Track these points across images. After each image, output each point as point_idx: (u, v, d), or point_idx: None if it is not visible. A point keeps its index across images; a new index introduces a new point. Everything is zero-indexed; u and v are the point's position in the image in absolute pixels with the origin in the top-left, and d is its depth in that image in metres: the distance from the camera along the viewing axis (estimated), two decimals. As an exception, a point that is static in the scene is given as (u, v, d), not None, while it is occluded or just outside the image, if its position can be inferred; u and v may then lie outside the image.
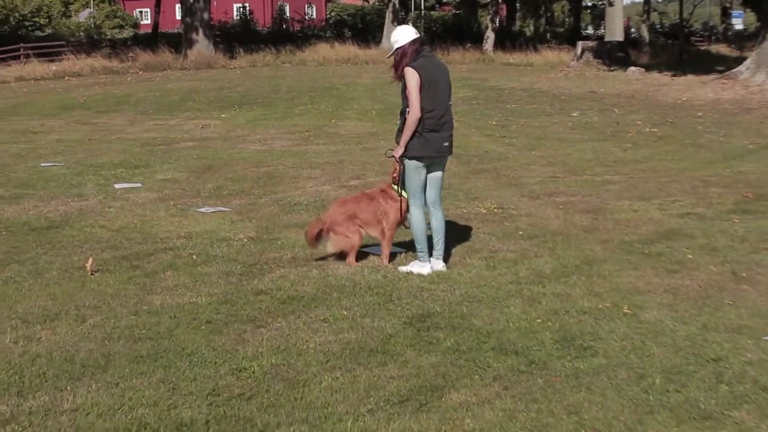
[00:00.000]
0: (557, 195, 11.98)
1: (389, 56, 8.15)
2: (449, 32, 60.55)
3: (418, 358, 6.00)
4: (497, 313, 6.90)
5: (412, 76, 7.74)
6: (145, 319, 6.84)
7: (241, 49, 47.08)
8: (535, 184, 12.81)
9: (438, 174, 8.21)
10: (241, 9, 64.80)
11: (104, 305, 7.21)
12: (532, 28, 76.64)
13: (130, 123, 23.03)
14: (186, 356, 6.02)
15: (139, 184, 13.16)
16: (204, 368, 5.82)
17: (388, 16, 52.58)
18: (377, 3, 66.55)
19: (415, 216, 8.18)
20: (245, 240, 9.50)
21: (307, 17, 73.02)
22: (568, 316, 6.84)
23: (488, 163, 14.83)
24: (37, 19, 59.20)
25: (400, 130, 7.98)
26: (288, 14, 68.97)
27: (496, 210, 10.96)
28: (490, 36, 53.53)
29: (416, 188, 8.10)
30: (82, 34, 61.98)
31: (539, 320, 6.72)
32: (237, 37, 54.11)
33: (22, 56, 48.26)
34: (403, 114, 7.93)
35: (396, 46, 7.96)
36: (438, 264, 8.26)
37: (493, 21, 54.51)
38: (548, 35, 64.49)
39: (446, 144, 8.00)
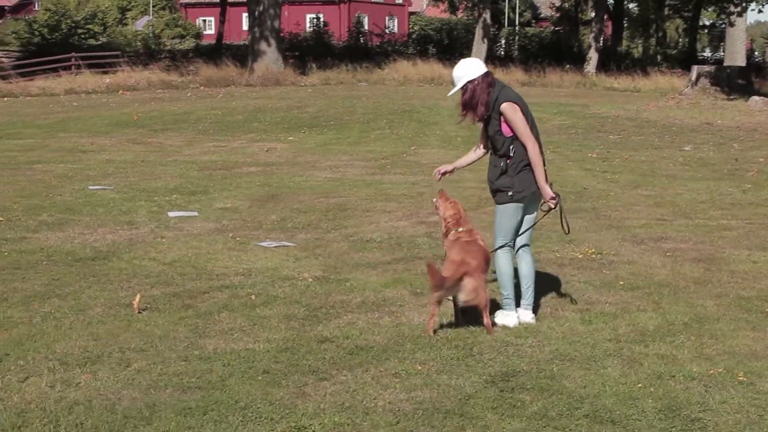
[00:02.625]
0: (664, 240, 11.83)
1: (453, 93, 8.15)
2: (547, 51, 60.50)
3: (500, 423, 5.93)
4: (592, 375, 6.80)
5: (514, 111, 7.81)
6: (195, 365, 6.88)
7: (313, 65, 47.59)
8: (639, 227, 12.66)
9: (533, 214, 8.23)
10: (315, 20, 65.45)
11: (151, 348, 7.28)
12: (640, 48, 76.18)
13: (188, 144, 23.39)
14: (239, 410, 6.03)
15: (195, 213, 13.32)
16: (259, 425, 5.83)
17: (478, 32, 52.65)
18: (466, 17, 66.71)
19: (503, 260, 8.14)
20: (310, 280, 9.53)
21: (387, 30, 73.53)
22: (673, 381, 6.71)
23: (586, 202, 14.71)
24: (90, 27, 60.40)
25: (504, 173, 7.96)
26: (366, 27, 69.48)
27: (593, 255, 10.86)
28: (592, 57, 53.34)
29: (509, 230, 8.12)
30: (139, 43, 63.12)
31: (640, 385, 6.60)
32: (309, 51, 54.72)
33: (73, 66, 49.38)
34: (506, 156, 7.93)
35: (464, 80, 7.95)
36: (526, 315, 8.21)
37: (596, 40, 54.26)
38: (659, 57, 63.93)
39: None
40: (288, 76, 45.00)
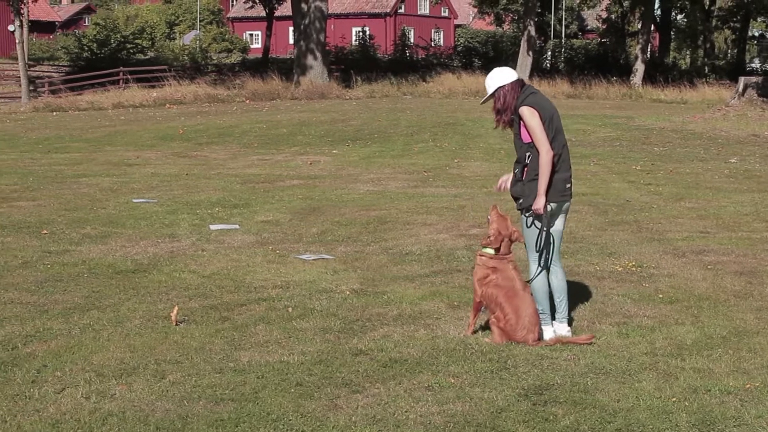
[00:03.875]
0: (706, 253, 11.72)
1: (485, 101, 8.23)
2: (593, 63, 60.34)
3: (532, 436, 5.92)
4: (626, 389, 6.76)
5: (531, 115, 7.79)
6: (229, 377, 6.92)
7: (358, 78, 47.74)
8: (681, 240, 12.56)
9: (560, 225, 8.17)
10: (361, 33, 65.68)
11: (186, 360, 7.33)
12: (688, 60, 75.75)
13: (232, 157, 23.54)
14: (271, 422, 6.06)
15: (237, 226, 13.40)
16: (290, 437, 5.86)
17: (524, 44, 52.58)
18: (512, 29, 66.66)
19: (537, 275, 8.14)
20: (347, 293, 9.55)
21: (433, 43, 73.64)
22: (709, 395, 6.65)
23: (629, 214, 14.62)
24: (139, 41, 61.13)
25: (520, 180, 7.97)
26: (412, 40, 69.66)
27: (633, 268, 10.79)
28: (639, 68, 53.05)
29: (532, 241, 8.06)
30: (186, 58, 63.73)
31: (675, 399, 6.55)
32: (354, 65, 54.95)
33: (121, 81, 49.91)
34: (522, 162, 7.93)
35: (495, 87, 8.02)
36: (562, 328, 8.17)
37: (643, 51, 53.97)
38: (706, 69, 63.51)
39: (568, 185, 8.01)
40: (333, 89, 45.21)
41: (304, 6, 46.38)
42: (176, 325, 8.27)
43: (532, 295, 8.02)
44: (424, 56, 63.81)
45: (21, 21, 50.35)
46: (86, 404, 6.35)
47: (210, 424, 6.01)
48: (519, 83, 8.00)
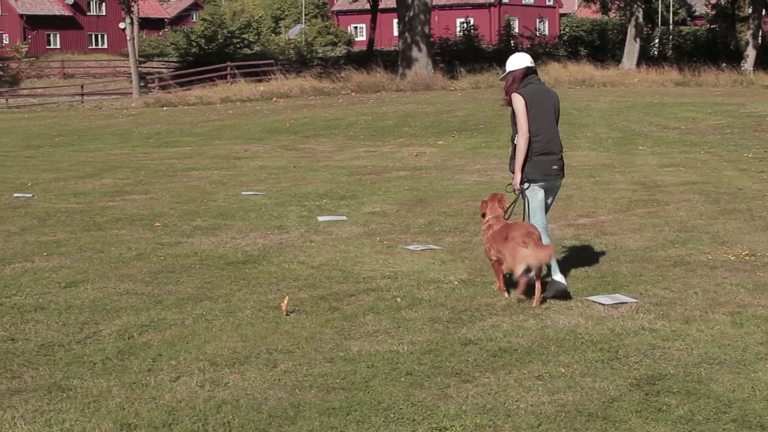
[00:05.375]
0: (823, 242, 11.44)
1: (501, 79, 9.48)
2: (702, 49, 59.20)
3: (644, 426, 5.85)
4: (742, 379, 6.64)
5: (519, 101, 8.96)
6: (340, 367, 6.98)
7: (463, 69, 47.59)
8: (796, 228, 12.28)
9: (548, 199, 9.25)
10: (465, 24, 65.47)
11: (297, 349, 7.41)
12: (801, 44, 73.76)
13: (338, 149, 23.71)
14: (382, 411, 6.10)
15: (344, 217, 13.48)
16: (401, 425, 5.88)
17: (630, 31, 51.85)
18: (618, 17, 65.76)
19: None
20: (456, 283, 9.55)
21: (537, 33, 73.10)
22: (828, 386, 6.50)
23: (741, 202, 14.33)
24: (245, 36, 61.80)
25: (513, 158, 9.13)
26: (516, 30, 69.23)
27: (747, 257, 10.58)
28: (750, 54, 51.96)
29: (536, 208, 9.10)
30: (291, 52, 64.26)
31: (792, 390, 6.42)
32: (459, 56, 54.86)
33: (228, 75, 50.59)
34: (513, 141, 9.13)
35: (508, 70, 9.20)
36: (559, 277, 8.93)
37: (754, 37, 52.82)
38: (821, 53, 61.81)
39: (555, 167, 9.04)
40: (438, 80, 45.17)
41: (408, -2, 46.47)
42: (286, 315, 8.36)
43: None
44: (529, 46, 63.34)
45: (131, 19, 51.40)
46: (201, 392, 6.46)
47: (322, 413, 6.07)
48: (524, 72, 9.10)
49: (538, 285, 8.66)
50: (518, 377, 6.73)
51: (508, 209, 9.34)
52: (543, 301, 8.70)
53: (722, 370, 6.85)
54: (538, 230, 8.76)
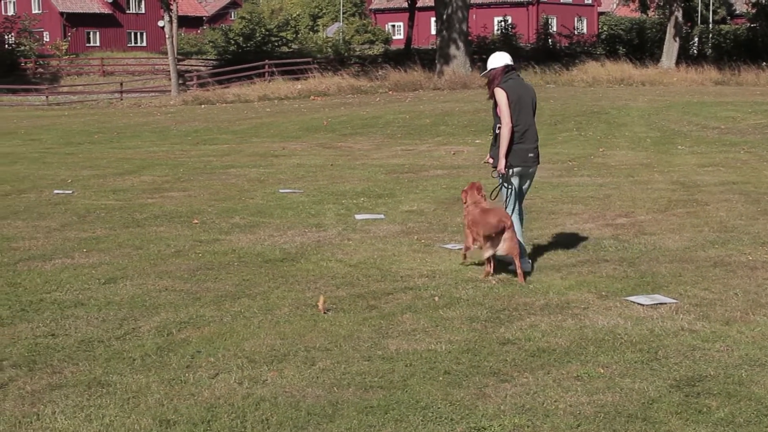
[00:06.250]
0: None
1: (483, 75, 10.34)
2: (742, 49, 58.65)
3: (685, 428, 5.80)
4: (783, 382, 6.58)
5: (501, 95, 9.81)
6: (378, 365, 6.98)
7: (500, 68, 47.37)
8: (838, 230, 12.15)
9: (525, 186, 10.22)
10: (502, 23, 65.33)
11: (335, 348, 7.41)
12: (843, 43, 72.98)
13: (376, 147, 23.71)
14: (420, 410, 6.09)
15: (382, 216, 13.48)
16: (439, 424, 5.87)
17: (669, 30, 51.52)
18: (657, 16, 65.34)
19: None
20: (494, 282, 9.52)
21: (575, 32, 72.78)
22: None
23: (782, 203, 14.20)
24: (283, 34, 61.98)
25: (494, 146, 10.02)
26: (554, 28, 68.96)
27: (788, 258, 10.48)
28: (791, 53, 51.47)
29: (510, 195, 10.00)
30: (329, 50, 64.34)
31: (835, 393, 6.34)
32: (497, 54, 54.48)
33: (266, 73, 50.74)
34: (494, 131, 9.95)
35: (489, 67, 10.03)
36: (526, 264, 9.96)
37: (795, 36, 52.34)
38: None
39: (531, 155, 9.95)
40: (475, 79, 45.00)
41: (446, -4, 46.41)
42: (324, 313, 8.37)
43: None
44: (567, 45, 63.11)
45: (170, 17, 51.71)
46: (239, 389, 6.48)
47: (360, 411, 6.07)
48: (505, 69, 9.95)
49: (517, 262, 9.56)
50: (557, 377, 6.70)
51: (492, 192, 10.19)
52: (526, 275, 9.64)
53: (763, 372, 6.79)
54: (510, 219, 9.64)
